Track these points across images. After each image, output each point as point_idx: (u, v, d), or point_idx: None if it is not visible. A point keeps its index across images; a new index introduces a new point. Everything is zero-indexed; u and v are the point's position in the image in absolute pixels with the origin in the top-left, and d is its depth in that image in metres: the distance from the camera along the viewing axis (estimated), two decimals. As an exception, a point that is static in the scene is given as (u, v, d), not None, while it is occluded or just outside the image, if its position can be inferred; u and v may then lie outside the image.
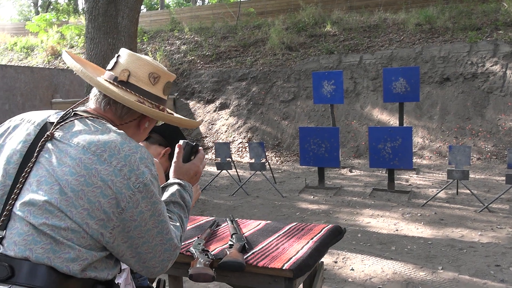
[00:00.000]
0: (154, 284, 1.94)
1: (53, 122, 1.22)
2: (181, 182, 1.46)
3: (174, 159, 1.51)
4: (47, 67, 14.14)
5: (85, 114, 1.26)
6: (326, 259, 4.25)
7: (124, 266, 1.74)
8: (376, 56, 11.54)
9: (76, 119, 1.23)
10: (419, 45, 11.48)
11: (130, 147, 1.17)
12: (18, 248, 1.06)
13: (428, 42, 11.61)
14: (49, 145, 1.16)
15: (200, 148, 1.57)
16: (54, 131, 1.18)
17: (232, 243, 2.24)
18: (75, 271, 1.08)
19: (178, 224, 1.34)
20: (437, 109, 10.23)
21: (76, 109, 1.29)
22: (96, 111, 1.32)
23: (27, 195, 1.10)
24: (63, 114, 1.24)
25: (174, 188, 1.43)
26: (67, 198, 1.08)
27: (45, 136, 1.17)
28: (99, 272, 1.14)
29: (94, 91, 1.33)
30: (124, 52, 1.37)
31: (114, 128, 1.23)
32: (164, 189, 1.45)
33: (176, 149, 1.52)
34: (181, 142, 1.54)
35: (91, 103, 1.33)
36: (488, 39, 10.81)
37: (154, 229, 1.17)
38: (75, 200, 1.07)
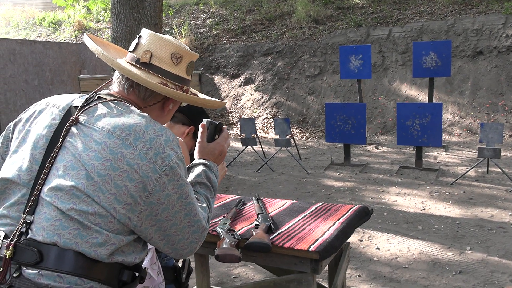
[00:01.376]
0: (180, 264, 1.96)
1: (77, 106, 1.22)
2: (206, 162, 1.45)
3: (198, 139, 1.50)
4: (74, 42, 14.27)
5: (108, 97, 1.26)
6: (352, 238, 4.23)
7: (149, 246, 1.76)
8: (405, 29, 11.19)
9: (100, 102, 1.22)
10: (451, 17, 11.05)
11: (155, 130, 1.16)
12: (46, 233, 1.07)
13: (461, 14, 11.16)
14: (74, 129, 1.16)
15: (224, 126, 1.55)
16: (78, 115, 1.18)
17: (258, 223, 2.24)
18: (102, 256, 1.09)
19: (205, 205, 1.34)
20: (469, 84, 9.91)
21: (99, 93, 1.28)
22: (119, 94, 1.31)
23: (54, 180, 1.10)
24: (87, 98, 1.24)
25: (199, 169, 1.42)
26: (94, 183, 1.08)
27: (70, 120, 1.17)
28: (126, 256, 1.14)
29: (117, 74, 1.33)
30: (145, 33, 1.34)
31: (138, 111, 1.22)
32: (189, 170, 1.44)
33: (200, 129, 1.51)
34: (204, 121, 1.53)
35: (114, 86, 1.33)
36: (526, 10, 10.31)
37: (182, 211, 1.17)
38: (102, 184, 1.08)
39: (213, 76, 12.97)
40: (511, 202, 5.13)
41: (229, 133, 1.53)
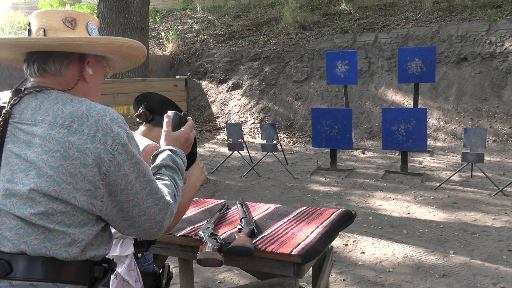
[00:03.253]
0: (160, 270, 1.94)
1: (5, 105, 1.15)
2: (172, 148, 1.43)
3: (164, 128, 1.49)
4: (60, 46, 14.16)
5: (34, 89, 1.18)
6: (337, 242, 4.25)
7: (127, 252, 1.73)
8: (391, 35, 11.32)
9: (28, 95, 1.16)
10: (436, 24, 11.21)
11: (98, 111, 1.12)
12: (12, 243, 1.04)
13: (446, 20, 11.33)
14: (11, 130, 1.11)
15: (189, 118, 1.55)
16: (10, 115, 1.12)
17: (241, 227, 2.23)
18: (75, 255, 1.07)
19: (169, 182, 1.30)
20: (453, 90, 10.04)
21: (24, 87, 1.20)
22: (40, 82, 1.22)
23: (4, 187, 1.06)
24: (13, 95, 1.17)
25: (165, 154, 1.40)
26: (47, 178, 1.05)
27: (2, 118, 1.11)
28: (96, 249, 1.13)
29: (24, 66, 1.25)
30: (31, 17, 1.26)
31: (70, 95, 1.17)
32: (155, 158, 1.41)
33: (165, 119, 1.50)
34: (169, 112, 1.53)
35: (31, 79, 1.24)
36: (508, 17, 10.50)
37: (143, 191, 1.15)
38: (57, 177, 1.05)
39: (200, 81, 12.96)
40: (494, 206, 5.20)
41: (194, 126, 1.47)
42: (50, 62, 1.20)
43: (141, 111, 1.98)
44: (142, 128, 1.98)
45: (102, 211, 1.11)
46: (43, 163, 1.05)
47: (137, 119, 2.00)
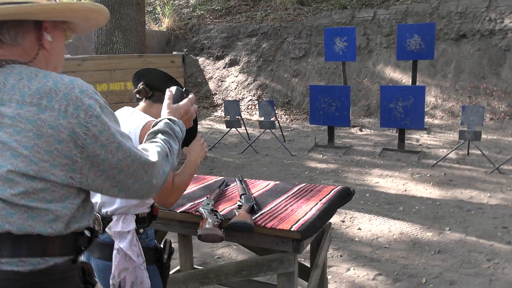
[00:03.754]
0: (162, 245, 1.96)
1: None
2: (170, 117, 1.42)
3: (165, 101, 1.50)
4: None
5: None
6: (334, 219, 4.29)
7: (129, 228, 1.74)
8: (390, 11, 11.19)
9: None
10: (436, 0, 11.08)
11: (66, 84, 1.08)
12: None
13: (445, -3, 11.18)
14: None
15: (191, 94, 1.56)
16: None
17: (241, 203, 2.25)
18: (60, 229, 1.07)
19: (161, 144, 1.27)
20: (452, 67, 10.00)
21: None
22: None
23: None
24: None
25: (162, 122, 1.37)
26: (23, 158, 1.03)
27: None
28: (79, 221, 1.13)
29: None
30: None
31: (34, 69, 1.11)
32: (153, 127, 1.37)
33: (167, 93, 1.52)
34: (172, 88, 1.55)
35: None
36: (509, -6, 10.39)
37: (127, 158, 1.13)
38: (33, 156, 1.03)
39: (197, 58, 12.84)
40: (490, 184, 5.25)
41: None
42: (4, 32, 1.11)
43: (140, 87, 1.94)
44: (142, 104, 1.95)
45: (82, 183, 1.10)
46: (17, 144, 1.03)
47: (137, 95, 1.97)
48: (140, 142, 1.75)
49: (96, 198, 1.84)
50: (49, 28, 1.16)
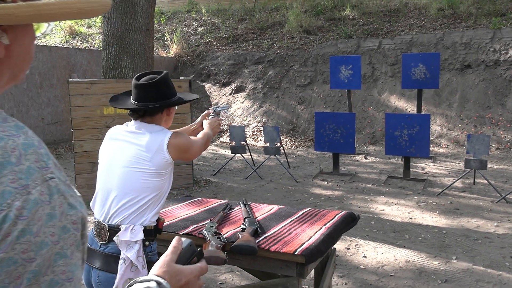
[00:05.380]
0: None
1: None
2: (161, 281, 0.92)
3: (167, 253, 0.98)
4: (64, 46, 14.21)
5: None
6: (338, 246, 4.23)
7: (137, 238, 1.76)
8: (395, 41, 11.33)
9: None
10: (441, 31, 11.22)
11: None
12: None
13: (450, 27, 11.33)
14: None
15: (203, 259, 1.04)
16: None
17: (244, 226, 2.23)
18: None
19: None
20: (457, 97, 10.03)
21: None
22: None
23: None
24: None
25: (150, 285, 0.92)
26: None
27: None
28: None
29: None
30: None
31: None
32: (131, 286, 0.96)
33: (173, 243, 1.00)
34: (183, 239, 1.06)
35: None
36: (513, 26, 10.51)
37: None
38: None
39: (203, 84, 12.97)
40: (497, 213, 5.18)
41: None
42: None
43: (129, 113, 2.02)
44: (145, 119, 1.99)
45: None
46: None
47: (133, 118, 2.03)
48: (171, 155, 1.92)
49: (104, 208, 1.85)
50: (5, 27, 0.77)
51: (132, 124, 1.98)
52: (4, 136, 0.68)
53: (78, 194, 0.78)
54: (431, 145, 9.07)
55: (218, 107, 2.71)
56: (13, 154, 0.67)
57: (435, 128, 9.67)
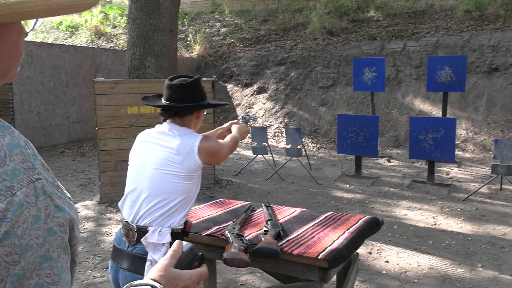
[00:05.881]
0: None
1: None
2: (156, 286, 0.86)
3: (166, 256, 0.94)
4: (90, 46, 14.45)
5: None
6: (360, 250, 4.18)
7: (164, 240, 1.76)
8: (420, 43, 11.15)
9: None
10: (467, 33, 11.00)
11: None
12: None
13: (477, 30, 11.10)
14: None
15: (204, 265, 0.99)
16: None
17: (267, 229, 2.22)
18: None
19: None
20: (483, 100, 9.81)
21: None
22: None
23: None
24: None
25: None
26: None
27: None
28: None
29: None
30: None
31: None
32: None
33: (174, 246, 0.95)
34: (184, 243, 1.00)
35: None
36: (543, 28, 10.23)
37: None
38: None
39: (226, 84, 13.02)
40: (525, 221, 5.04)
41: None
42: None
43: (160, 112, 2.06)
44: (175, 120, 2.03)
45: None
46: None
47: (163, 118, 2.06)
48: (201, 159, 1.94)
49: (134, 209, 1.87)
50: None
51: (162, 126, 2.00)
52: None
53: (68, 195, 0.76)
54: (456, 150, 8.89)
55: (248, 115, 2.71)
56: None
57: (460, 132, 9.48)
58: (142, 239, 1.78)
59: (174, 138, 1.93)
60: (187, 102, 1.97)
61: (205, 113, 2.16)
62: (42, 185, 0.68)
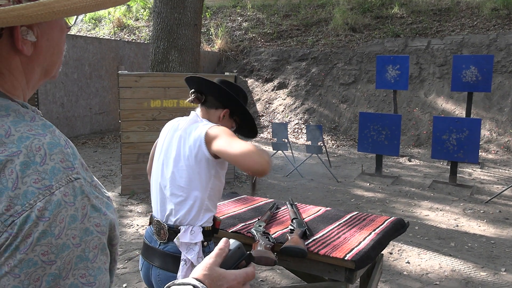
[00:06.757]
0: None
1: None
2: (199, 286, 0.83)
3: (211, 255, 0.90)
4: (113, 38, 14.60)
5: None
6: (381, 250, 4.16)
7: (196, 239, 1.77)
8: (445, 41, 10.97)
9: None
10: (494, 32, 10.77)
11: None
12: None
13: (505, 28, 10.86)
14: None
15: (252, 264, 0.95)
16: None
17: (292, 228, 2.23)
18: None
19: None
20: (509, 101, 9.62)
21: None
22: None
23: None
24: None
25: None
26: None
27: None
28: None
29: None
30: None
31: (14, 105, 0.72)
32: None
33: (220, 244, 0.91)
34: (231, 240, 0.96)
35: None
36: None
37: None
38: None
39: (246, 79, 13.02)
40: (550, 225, 4.95)
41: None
42: None
43: (192, 96, 1.96)
44: (199, 109, 1.98)
45: None
46: None
47: (193, 104, 1.99)
48: (208, 149, 1.77)
49: (160, 206, 1.88)
50: (30, 24, 0.72)
51: (185, 118, 1.95)
52: (30, 135, 0.67)
53: (107, 194, 0.76)
54: (479, 150, 8.75)
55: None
56: (38, 153, 0.65)
57: (484, 132, 9.32)
58: (175, 240, 1.77)
59: (192, 130, 1.83)
60: (226, 95, 1.91)
61: (233, 129, 1.99)
62: (81, 185, 0.68)
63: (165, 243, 1.83)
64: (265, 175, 1.66)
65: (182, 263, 1.75)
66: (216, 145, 1.70)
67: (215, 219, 1.90)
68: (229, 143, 1.67)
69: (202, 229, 1.81)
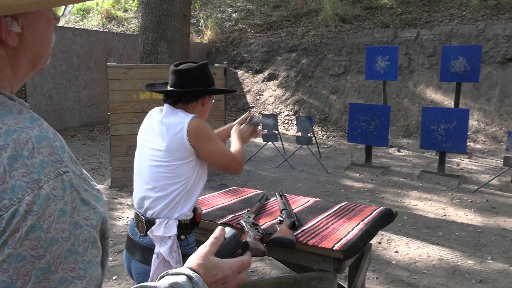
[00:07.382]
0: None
1: None
2: (192, 275, 0.81)
3: (206, 244, 0.88)
4: (101, 30, 14.44)
5: None
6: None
7: (170, 233, 1.76)
8: (434, 32, 11.02)
9: None
10: (482, 22, 10.84)
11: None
12: None
13: (493, 19, 10.93)
14: None
15: (248, 252, 0.93)
16: None
17: (282, 219, 2.24)
18: None
19: None
20: (496, 91, 9.71)
21: None
22: None
23: None
24: None
25: (178, 279, 0.79)
26: None
27: None
28: None
29: None
30: None
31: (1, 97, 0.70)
32: (162, 277, 0.82)
33: (215, 233, 0.90)
34: (227, 229, 0.93)
35: None
36: (560, 18, 10.05)
37: None
38: None
39: (236, 70, 12.99)
40: (536, 214, 5.03)
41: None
42: None
43: (163, 98, 1.93)
44: (178, 107, 1.91)
45: None
46: None
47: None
48: (189, 141, 1.77)
49: (139, 199, 1.87)
50: (14, 14, 0.70)
51: (159, 109, 1.93)
52: (18, 128, 0.65)
53: (97, 187, 0.75)
54: (467, 141, 8.85)
55: (258, 117, 2.42)
56: (26, 147, 0.64)
57: (472, 123, 9.41)
58: (148, 232, 1.77)
59: (167, 121, 1.82)
60: (191, 87, 1.86)
61: (213, 101, 2.01)
62: (70, 178, 0.67)
63: (144, 236, 1.82)
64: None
65: (154, 256, 1.74)
66: (200, 152, 1.82)
67: (196, 211, 1.89)
68: (211, 152, 1.84)
69: (178, 223, 1.79)
